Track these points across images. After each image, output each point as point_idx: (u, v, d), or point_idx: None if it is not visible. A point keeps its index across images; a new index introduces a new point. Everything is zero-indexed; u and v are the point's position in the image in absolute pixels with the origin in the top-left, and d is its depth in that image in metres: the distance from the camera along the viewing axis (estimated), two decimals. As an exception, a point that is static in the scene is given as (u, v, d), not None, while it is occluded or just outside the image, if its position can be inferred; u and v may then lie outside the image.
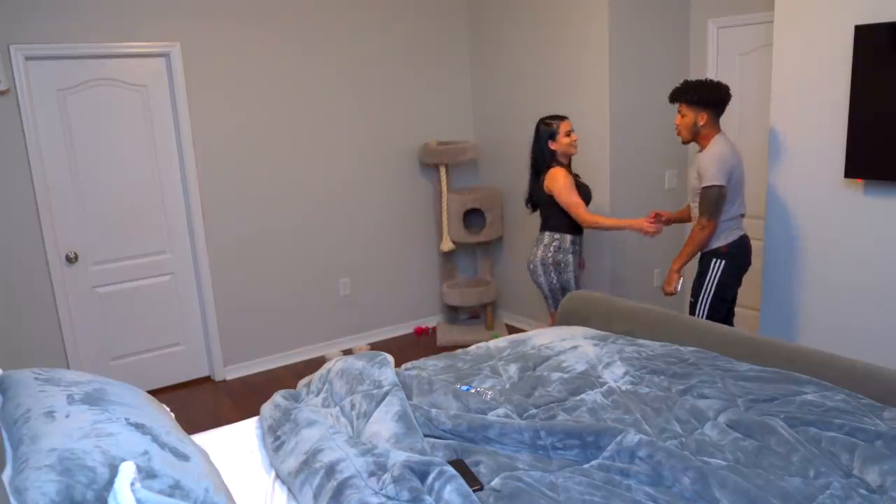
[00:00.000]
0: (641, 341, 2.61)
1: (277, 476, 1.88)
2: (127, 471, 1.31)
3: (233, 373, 4.39)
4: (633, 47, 4.08)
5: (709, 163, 3.12)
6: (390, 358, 2.31)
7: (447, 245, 4.81)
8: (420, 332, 5.06)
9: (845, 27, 2.98)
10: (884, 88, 2.84)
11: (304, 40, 4.32)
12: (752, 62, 4.01)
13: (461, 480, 1.58)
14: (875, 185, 3.01)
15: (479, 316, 5.28)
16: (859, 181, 3.06)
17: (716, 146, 3.16)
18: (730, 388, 2.15)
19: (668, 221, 3.56)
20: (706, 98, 3.15)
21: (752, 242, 4.13)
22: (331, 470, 1.65)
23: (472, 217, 4.85)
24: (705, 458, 1.75)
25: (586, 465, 1.77)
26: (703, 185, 3.13)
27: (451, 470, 1.61)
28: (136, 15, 3.80)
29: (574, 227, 3.59)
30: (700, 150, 3.25)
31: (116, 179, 3.91)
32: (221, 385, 4.30)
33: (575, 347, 2.56)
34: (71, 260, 3.84)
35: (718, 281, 3.26)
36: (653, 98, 4.22)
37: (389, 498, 1.54)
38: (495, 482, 1.67)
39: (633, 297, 4.38)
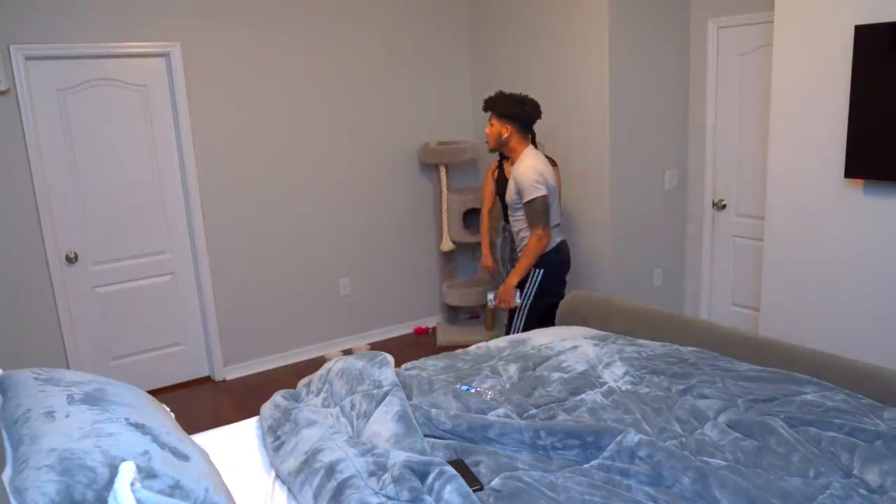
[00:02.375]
0: (641, 341, 2.61)
1: (277, 476, 1.88)
2: (127, 471, 1.31)
3: (233, 373, 4.39)
4: (634, 47, 4.08)
5: (525, 176, 3.25)
6: (390, 358, 2.31)
7: (447, 245, 4.81)
8: (420, 332, 5.06)
9: (845, 27, 2.98)
10: (884, 88, 2.84)
11: (304, 40, 4.32)
12: (752, 62, 4.01)
13: (461, 480, 1.58)
14: (875, 185, 3.01)
15: (479, 316, 5.28)
16: (859, 181, 3.06)
17: (527, 158, 3.30)
18: (730, 388, 2.15)
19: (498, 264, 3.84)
20: (511, 112, 3.30)
21: (753, 242, 4.16)
22: (331, 470, 1.65)
23: (472, 217, 4.85)
24: (705, 458, 1.75)
25: (586, 465, 1.77)
26: (526, 199, 3.27)
27: (451, 470, 1.61)
28: (136, 15, 3.80)
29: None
30: (512, 164, 3.41)
31: (116, 179, 3.91)
32: (221, 385, 4.30)
33: (575, 347, 2.56)
34: (71, 260, 3.84)
35: (536, 290, 3.42)
36: (653, 98, 4.22)
37: (389, 498, 1.54)
38: (495, 482, 1.67)
39: (633, 297, 4.38)
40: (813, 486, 1.61)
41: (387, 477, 1.59)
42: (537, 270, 3.41)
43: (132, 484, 1.29)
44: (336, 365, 2.30)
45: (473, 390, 2.24)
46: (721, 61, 4.18)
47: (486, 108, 3.38)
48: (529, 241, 3.32)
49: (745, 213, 4.20)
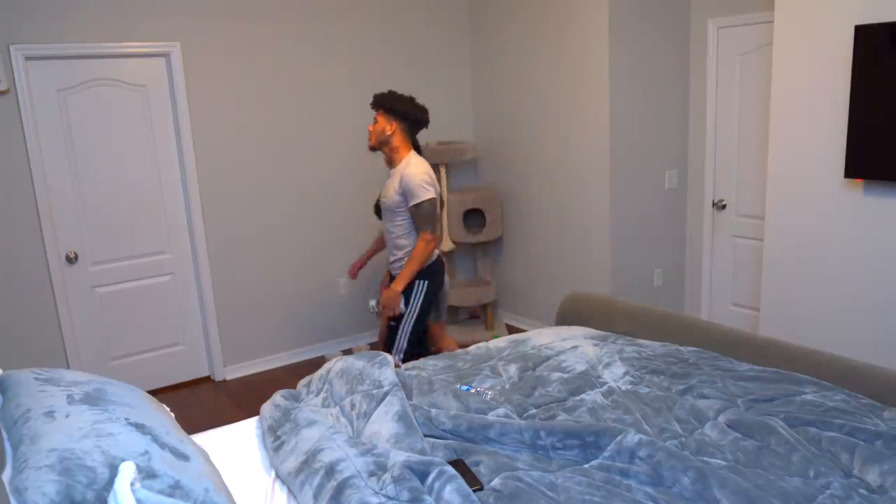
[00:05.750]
0: (641, 341, 2.61)
1: (277, 476, 1.88)
2: (127, 471, 1.31)
3: (233, 373, 4.39)
4: (633, 47, 4.09)
5: (417, 179, 3.09)
6: (390, 358, 2.31)
7: (447, 245, 4.81)
8: (420, 332, 5.06)
9: (845, 27, 2.98)
10: (884, 88, 2.84)
11: (304, 40, 4.33)
12: (752, 62, 4.01)
13: (461, 480, 1.58)
14: (875, 185, 3.01)
15: (479, 316, 5.28)
16: (859, 181, 3.06)
17: (417, 159, 3.17)
18: (730, 388, 2.15)
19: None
20: (401, 111, 3.15)
21: (753, 242, 4.16)
22: (331, 470, 1.65)
23: (472, 217, 4.85)
24: (705, 458, 1.75)
25: (586, 465, 1.77)
26: (415, 202, 3.10)
27: (451, 470, 1.61)
28: (135, 15, 3.80)
29: None
30: (392, 167, 3.25)
31: (116, 179, 3.91)
32: (221, 385, 4.30)
33: (575, 347, 2.56)
34: (71, 260, 3.84)
35: (422, 303, 3.25)
36: (653, 98, 4.23)
37: (389, 498, 1.54)
38: (495, 482, 1.67)
39: (633, 297, 4.38)
40: (813, 486, 1.61)
41: (387, 477, 1.59)
42: (422, 282, 3.23)
43: (132, 484, 1.30)
44: (336, 365, 2.30)
45: (473, 390, 2.24)
46: (721, 61, 4.18)
47: (374, 105, 3.21)
48: (417, 245, 3.14)
49: (745, 213, 4.20)
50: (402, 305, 3.21)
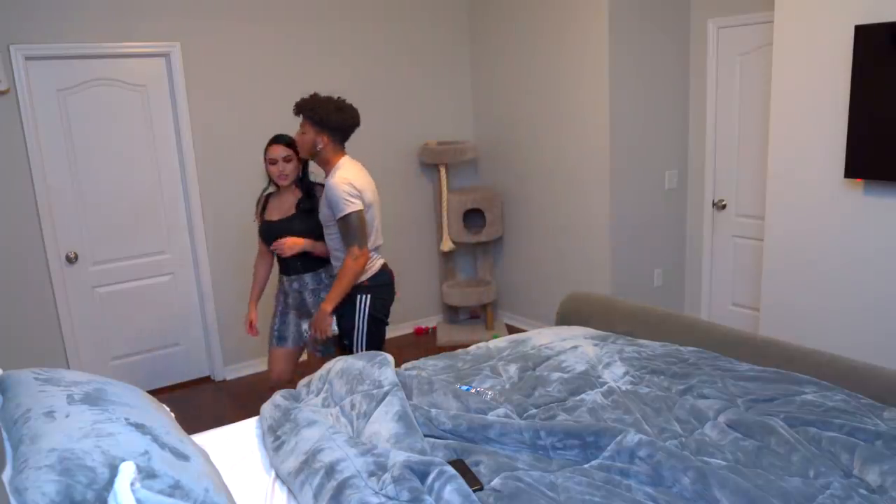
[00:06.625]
0: (641, 341, 2.61)
1: (277, 476, 1.88)
2: (127, 471, 1.31)
3: (233, 373, 4.39)
4: (633, 47, 4.08)
5: (337, 191, 2.81)
6: (390, 358, 2.31)
7: (447, 245, 4.81)
8: (420, 332, 5.06)
9: (845, 27, 2.98)
10: (884, 88, 2.84)
11: (305, 40, 4.32)
12: (752, 62, 4.01)
13: (461, 480, 1.58)
14: (875, 185, 3.01)
15: (479, 316, 5.28)
16: (859, 181, 3.06)
17: (339, 170, 2.88)
18: (730, 388, 2.15)
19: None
20: (326, 120, 2.85)
21: (753, 243, 4.16)
22: (331, 470, 1.65)
23: (472, 217, 4.85)
24: (705, 458, 1.75)
25: (586, 465, 1.77)
26: (339, 215, 2.83)
27: (451, 470, 1.61)
28: (135, 15, 3.80)
29: (280, 266, 3.23)
30: (326, 177, 2.96)
31: (116, 179, 3.92)
32: (221, 385, 4.30)
33: (575, 347, 2.56)
34: (71, 260, 3.84)
35: (369, 315, 2.98)
36: (653, 98, 4.22)
37: (389, 498, 1.54)
38: (495, 482, 1.67)
39: (633, 297, 4.38)
40: (813, 486, 1.61)
41: (387, 477, 1.59)
42: (364, 296, 2.97)
43: (132, 484, 1.30)
44: (336, 365, 2.30)
45: (473, 390, 2.25)
46: (721, 61, 4.18)
47: (298, 112, 2.90)
48: (345, 262, 2.87)
49: (745, 213, 4.20)
50: (333, 327, 2.94)
